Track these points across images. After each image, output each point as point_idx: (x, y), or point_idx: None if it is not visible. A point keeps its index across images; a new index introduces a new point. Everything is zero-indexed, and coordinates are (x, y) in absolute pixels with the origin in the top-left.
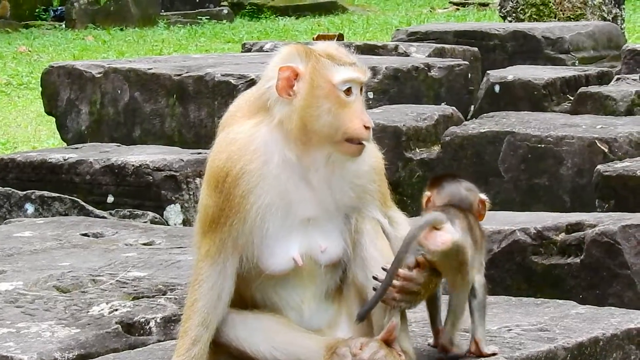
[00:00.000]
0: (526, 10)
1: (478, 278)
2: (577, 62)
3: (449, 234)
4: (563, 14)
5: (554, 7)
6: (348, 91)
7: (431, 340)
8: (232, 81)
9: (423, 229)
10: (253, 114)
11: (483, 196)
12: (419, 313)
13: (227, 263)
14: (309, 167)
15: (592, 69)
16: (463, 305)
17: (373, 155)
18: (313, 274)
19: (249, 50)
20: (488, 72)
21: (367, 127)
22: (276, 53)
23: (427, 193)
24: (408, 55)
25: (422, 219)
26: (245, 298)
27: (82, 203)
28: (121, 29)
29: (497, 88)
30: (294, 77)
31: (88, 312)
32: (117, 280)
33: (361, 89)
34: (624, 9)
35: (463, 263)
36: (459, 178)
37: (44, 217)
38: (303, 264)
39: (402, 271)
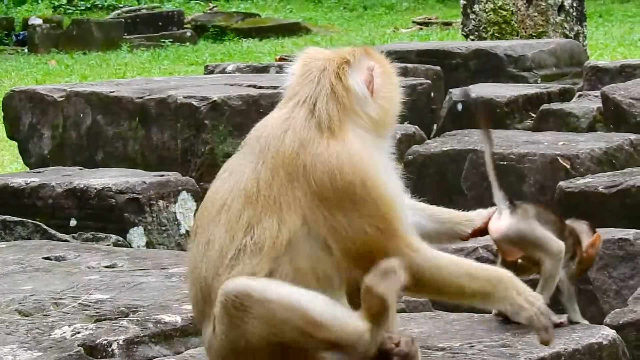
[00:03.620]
0: (488, 29)
1: (560, 274)
2: (539, 79)
3: (503, 221)
4: (525, 32)
5: (516, 25)
6: None
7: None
8: (195, 103)
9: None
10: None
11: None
12: None
13: None
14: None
15: (554, 86)
16: (551, 278)
17: None
18: None
19: (212, 72)
20: (450, 90)
21: None
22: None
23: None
24: None
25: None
26: None
27: (45, 227)
28: (84, 53)
29: (459, 106)
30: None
31: (50, 335)
32: (79, 303)
33: None
34: (585, 26)
35: (529, 244)
36: None
37: (6, 241)
38: None
39: None
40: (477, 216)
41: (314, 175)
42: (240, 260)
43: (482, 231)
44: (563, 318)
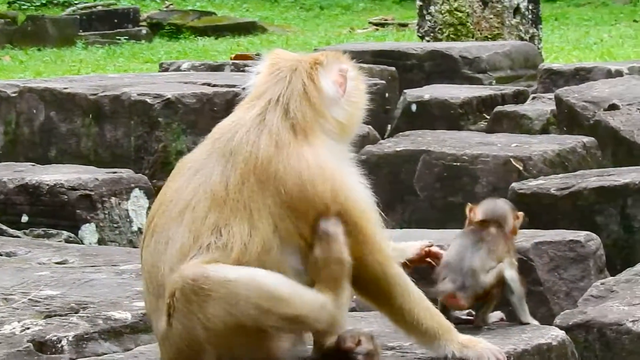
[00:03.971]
0: (444, 30)
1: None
2: (494, 81)
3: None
4: (481, 34)
5: (471, 27)
6: None
7: None
8: (149, 100)
9: None
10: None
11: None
12: None
13: None
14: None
15: (509, 88)
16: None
17: None
18: None
19: (166, 70)
20: (405, 91)
21: None
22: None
23: (470, 205)
24: None
25: None
26: None
27: None
28: (39, 49)
29: (413, 107)
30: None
31: None
32: (29, 299)
33: None
34: (541, 29)
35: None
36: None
37: None
38: None
39: None
40: (408, 248)
41: (285, 184)
42: (201, 256)
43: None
44: (500, 315)
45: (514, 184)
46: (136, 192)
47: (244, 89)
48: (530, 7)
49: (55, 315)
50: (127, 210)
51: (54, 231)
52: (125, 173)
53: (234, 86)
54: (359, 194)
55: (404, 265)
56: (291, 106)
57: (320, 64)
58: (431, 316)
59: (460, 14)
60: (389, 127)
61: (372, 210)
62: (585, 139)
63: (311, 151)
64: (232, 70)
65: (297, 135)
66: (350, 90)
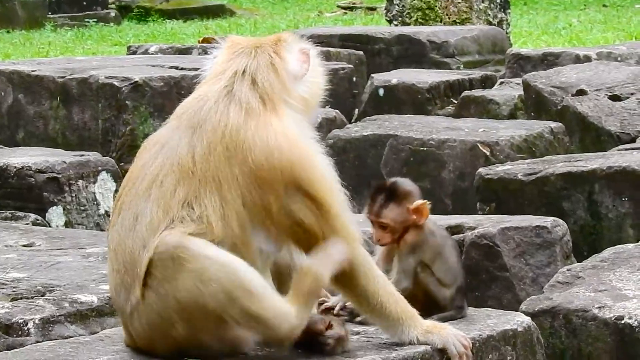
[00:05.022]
0: (412, 14)
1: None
2: (461, 66)
3: None
4: (449, 18)
5: (439, 11)
6: None
7: None
8: (116, 83)
9: None
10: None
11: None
12: None
13: None
14: None
15: (476, 73)
16: None
17: None
18: None
19: (134, 53)
20: (372, 75)
21: None
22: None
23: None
24: None
25: None
26: None
27: None
28: (7, 32)
29: (381, 92)
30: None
31: None
32: None
33: None
34: (509, 13)
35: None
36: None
37: None
38: None
39: None
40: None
41: (253, 152)
42: (178, 228)
43: None
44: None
45: (480, 169)
46: (103, 175)
47: (202, 72)
48: None
49: (21, 298)
50: (94, 193)
51: (21, 214)
52: (93, 156)
53: (201, 69)
54: (325, 170)
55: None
56: (259, 77)
57: (285, 41)
58: (395, 301)
59: None
60: (356, 111)
61: (338, 188)
62: (553, 124)
63: (279, 121)
64: (200, 54)
65: (266, 105)
66: (313, 68)
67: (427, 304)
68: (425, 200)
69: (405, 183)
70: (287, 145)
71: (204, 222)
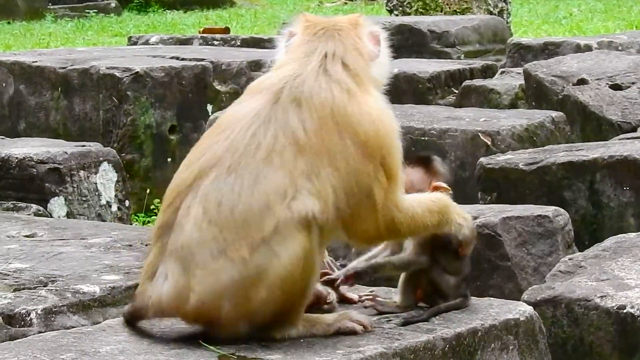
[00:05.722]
0: (412, 4)
1: None
2: (462, 55)
3: None
4: (449, 8)
5: (440, 1)
6: None
7: None
8: (117, 74)
9: None
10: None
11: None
12: None
13: None
14: None
15: (477, 63)
16: None
17: None
18: None
19: (135, 44)
20: None
21: None
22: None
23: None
24: None
25: None
26: None
27: None
28: (8, 22)
29: None
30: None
31: None
32: None
33: None
34: (510, 3)
35: None
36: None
37: None
38: None
39: None
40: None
41: (362, 125)
42: (298, 199)
43: None
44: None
45: (482, 159)
46: (105, 165)
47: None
48: None
49: (24, 289)
50: (95, 183)
51: (23, 204)
52: (94, 146)
53: (202, 60)
54: (400, 148)
55: None
56: (349, 60)
57: (362, 25)
58: (433, 211)
59: None
60: None
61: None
62: (554, 113)
63: (374, 100)
64: (200, 44)
65: (359, 86)
66: (383, 51)
67: (430, 292)
68: (449, 188)
69: (442, 164)
70: (387, 120)
71: (322, 193)
